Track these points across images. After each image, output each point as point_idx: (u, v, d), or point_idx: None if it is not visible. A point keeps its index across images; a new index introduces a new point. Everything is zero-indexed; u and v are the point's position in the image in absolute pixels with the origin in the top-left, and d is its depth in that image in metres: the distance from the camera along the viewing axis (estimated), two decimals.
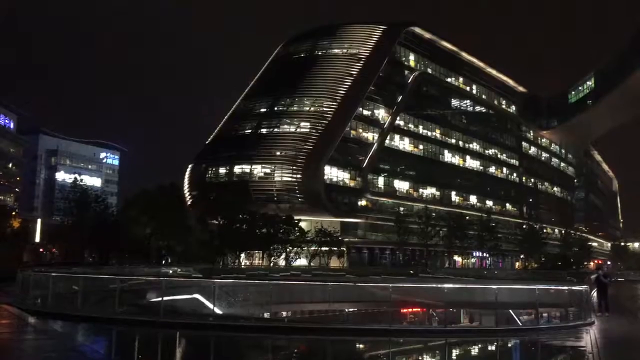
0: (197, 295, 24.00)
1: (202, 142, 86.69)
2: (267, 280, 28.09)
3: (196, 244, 62.79)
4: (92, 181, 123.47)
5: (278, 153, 78.74)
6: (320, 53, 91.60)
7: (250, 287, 26.93)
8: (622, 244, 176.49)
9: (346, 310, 29.57)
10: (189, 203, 75.44)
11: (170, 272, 43.94)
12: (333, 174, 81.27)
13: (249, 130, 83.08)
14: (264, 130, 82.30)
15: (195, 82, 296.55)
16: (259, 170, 78.39)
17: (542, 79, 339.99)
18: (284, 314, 29.75)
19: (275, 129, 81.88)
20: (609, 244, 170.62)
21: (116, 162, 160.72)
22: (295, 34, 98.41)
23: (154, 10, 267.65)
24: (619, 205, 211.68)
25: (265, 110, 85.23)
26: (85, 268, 39.56)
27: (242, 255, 69.86)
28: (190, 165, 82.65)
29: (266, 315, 23.49)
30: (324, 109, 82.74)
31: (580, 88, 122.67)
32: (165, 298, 20.07)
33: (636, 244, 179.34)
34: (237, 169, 79.23)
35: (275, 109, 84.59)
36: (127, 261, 57.93)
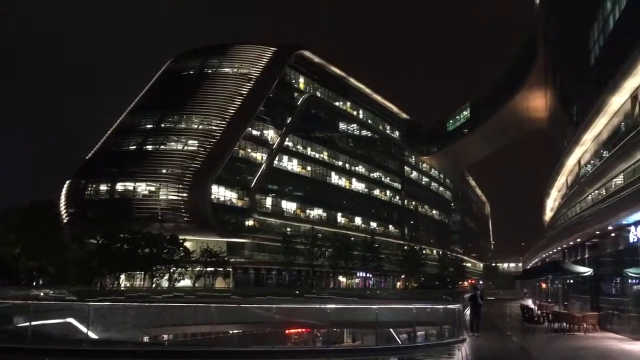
0: (70, 319, 22.61)
1: (84, 158, 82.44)
2: (148, 303, 27.08)
3: (72, 264, 59.29)
4: None
5: (164, 171, 76.61)
6: (210, 71, 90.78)
7: (129, 310, 25.80)
8: (493, 264, 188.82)
9: (230, 332, 29.14)
10: (65, 221, 71.37)
11: (42, 294, 41.21)
12: (220, 193, 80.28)
13: (134, 147, 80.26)
14: (149, 147, 79.87)
15: (76, 98, 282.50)
16: (143, 187, 75.77)
17: (423, 107, 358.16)
18: (165, 337, 28.78)
19: (162, 146, 79.74)
20: (481, 265, 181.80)
21: None
22: (185, 50, 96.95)
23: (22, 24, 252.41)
24: (490, 228, 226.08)
25: (151, 126, 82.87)
26: None
27: (122, 276, 66.89)
28: (68, 181, 78.28)
29: (145, 339, 22.58)
30: (213, 127, 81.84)
31: (457, 117, 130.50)
32: (34, 323, 18.78)
33: (505, 265, 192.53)
34: (119, 186, 76.11)
35: (162, 125, 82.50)
36: None
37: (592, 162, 39.00)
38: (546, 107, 76.15)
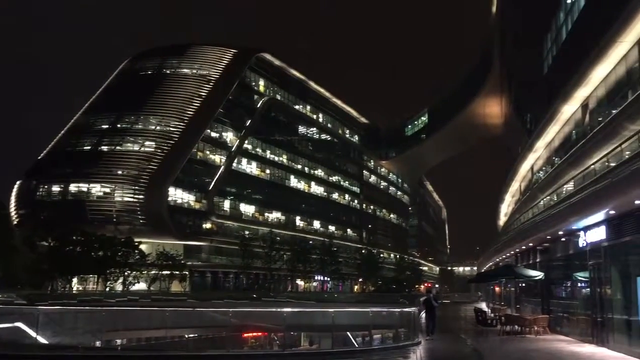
0: (19, 324, 21.92)
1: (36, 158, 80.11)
2: (100, 306, 26.51)
3: (22, 267, 57.51)
4: None
5: (119, 172, 75.14)
6: (168, 72, 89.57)
7: (81, 314, 25.17)
8: (449, 268, 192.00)
9: (186, 336, 28.74)
10: (15, 223, 69.22)
11: None
12: (178, 195, 79.24)
13: (89, 147, 78.48)
14: (105, 148, 78.24)
15: (28, 98, 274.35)
16: (97, 189, 74.11)
17: (382, 112, 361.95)
18: (119, 341, 28.21)
19: (118, 147, 78.20)
20: (438, 268, 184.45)
21: None
22: (143, 50, 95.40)
23: None
24: (447, 232, 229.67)
25: (107, 126, 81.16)
26: None
27: (75, 279, 65.30)
28: (18, 182, 75.96)
29: (97, 343, 22.11)
30: (171, 128, 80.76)
31: (416, 122, 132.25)
32: None
33: (461, 268, 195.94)
34: (73, 187, 74.22)
35: (119, 125, 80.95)
36: None
37: (544, 168, 40.05)
38: (501, 114, 77.93)
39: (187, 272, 74.42)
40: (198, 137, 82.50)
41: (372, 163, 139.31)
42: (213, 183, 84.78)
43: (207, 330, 28.63)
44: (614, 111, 22.54)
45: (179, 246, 74.82)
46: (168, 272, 70.47)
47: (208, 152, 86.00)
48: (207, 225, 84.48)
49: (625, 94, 21.61)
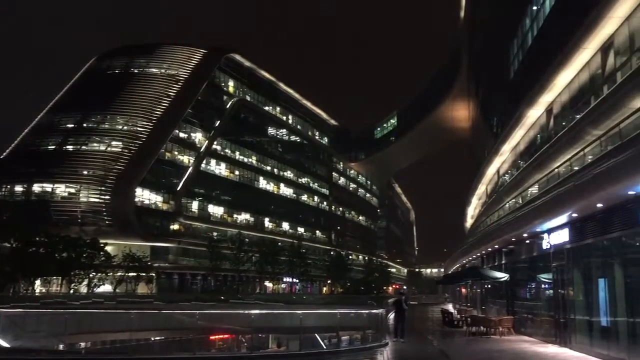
0: None
1: None
2: (64, 309, 26.00)
3: None
4: None
5: (85, 172, 73.89)
6: (136, 71, 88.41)
7: (43, 317, 24.65)
8: (417, 269, 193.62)
9: (152, 339, 28.38)
10: None
11: None
12: (145, 196, 78.23)
13: (53, 146, 76.98)
14: (70, 147, 76.85)
15: None
16: (62, 189, 72.73)
17: (352, 114, 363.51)
18: (83, 344, 27.70)
19: (83, 147, 76.91)
20: (406, 270, 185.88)
21: None
22: (111, 49, 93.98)
23: None
24: (415, 234, 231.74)
25: (72, 125, 79.75)
26: None
27: (38, 281, 63.85)
28: None
29: (61, 347, 21.66)
30: (138, 128, 79.73)
31: (385, 125, 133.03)
32: None
33: (428, 270, 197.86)
34: (36, 187, 72.74)
35: (85, 125, 79.62)
36: None
37: (510, 171, 40.69)
38: (469, 117, 78.97)
39: (153, 274, 73.50)
40: (166, 138, 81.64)
41: (342, 165, 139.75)
42: (181, 184, 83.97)
43: (174, 332, 28.35)
44: (577, 116, 23.03)
45: (145, 247, 73.82)
46: (134, 274, 69.49)
47: (176, 153, 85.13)
48: (175, 227, 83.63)
49: (588, 99, 22.10)
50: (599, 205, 16.28)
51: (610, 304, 16.99)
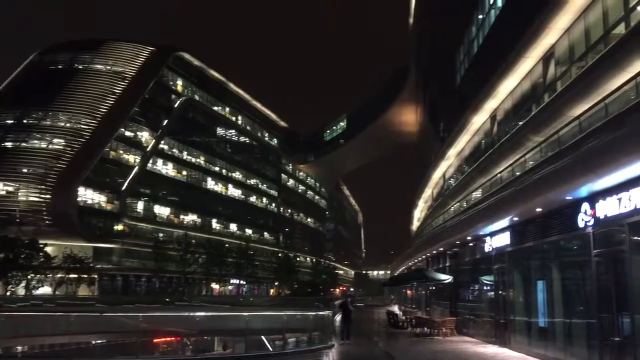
0: None
1: None
2: (0, 312, 25.01)
3: None
4: None
5: (25, 170, 71.32)
6: (80, 67, 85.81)
7: None
8: (364, 271, 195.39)
9: (93, 342, 27.60)
10: None
11: None
12: (88, 195, 76.06)
13: None
14: (8, 144, 73.99)
15: None
16: (0, 187, 70.07)
17: (301, 116, 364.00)
18: (19, 348, 26.72)
19: (23, 144, 74.21)
20: (353, 272, 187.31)
21: None
22: (54, 43, 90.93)
23: None
24: (362, 236, 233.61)
25: (12, 122, 76.77)
26: None
27: None
28: None
29: None
30: (82, 126, 77.48)
31: (334, 128, 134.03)
32: None
33: (375, 272, 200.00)
34: None
35: (25, 121, 76.77)
36: None
37: (455, 176, 41.60)
38: (417, 122, 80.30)
39: (96, 276, 71.57)
40: (111, 136, 79.61)
41: (291, 167, 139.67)
42: (126, 183, 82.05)
43: (116, 335, 27.61)
44: (519, 123, 23.74)
45: (88, 248, 71.74)
46: (75, 276, 67.49)
47: (122, 152, 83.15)
48: (119, 227, 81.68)
49: (530, 107, 22.83)
50: (539, 209, 16.82)
51: (548, 306, 17.55)
